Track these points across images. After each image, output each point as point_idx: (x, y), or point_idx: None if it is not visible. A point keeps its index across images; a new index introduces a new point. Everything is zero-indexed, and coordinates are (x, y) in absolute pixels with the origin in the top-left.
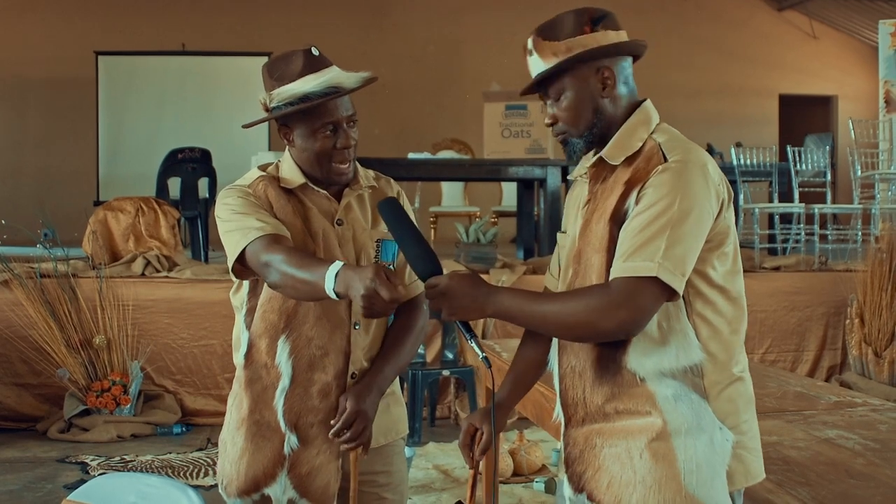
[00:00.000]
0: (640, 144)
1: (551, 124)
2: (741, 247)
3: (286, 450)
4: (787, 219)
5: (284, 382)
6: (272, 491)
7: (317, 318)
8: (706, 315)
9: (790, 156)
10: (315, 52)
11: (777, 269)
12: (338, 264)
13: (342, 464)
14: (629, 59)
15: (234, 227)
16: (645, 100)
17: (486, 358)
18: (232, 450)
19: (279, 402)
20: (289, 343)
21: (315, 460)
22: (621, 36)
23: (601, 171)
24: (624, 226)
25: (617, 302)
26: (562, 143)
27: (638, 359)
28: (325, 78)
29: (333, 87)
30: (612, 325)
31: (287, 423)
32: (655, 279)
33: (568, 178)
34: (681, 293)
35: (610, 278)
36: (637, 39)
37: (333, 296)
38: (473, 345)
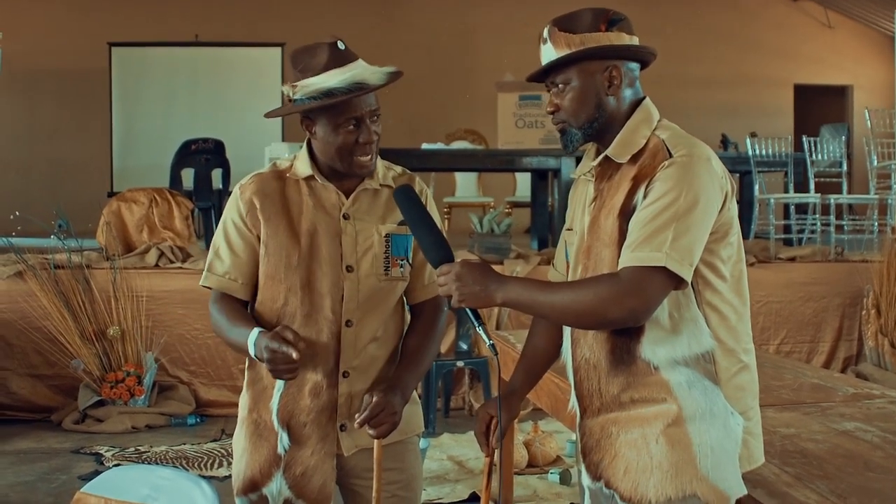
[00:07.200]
0: (644, 142)
1: (552, 112)
2: (756, 237)
3: (280, 449)
4: (802, 209)
5: (280, 382)
6: (269, 491)
7: (304, 317)
8: (715, 303)
9: (806, 146)
10: (341, 45)
11: (793, 259)
12: (255, 332)
13: (339, 462)
14: (637, 65)
15: (212, 250)
16: (644, 97)
17: (493, 345)
18: (236, 449)
19: (275, 401)
20: None
21: (309, 461)
22: (634, 41)
23: (606, 169)
24: (633, 218)
25: (626, 290)
26: (560, 133)
27: (651, 348)
28: (350, 74)
29: (358, 84)
30: (622, 312)
31: (280, 422)
32: (663, 269)
33: (571, 175)
34: (689, 281)
35: (619, 267)
36: (648, 47)
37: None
38: (481, 332)
